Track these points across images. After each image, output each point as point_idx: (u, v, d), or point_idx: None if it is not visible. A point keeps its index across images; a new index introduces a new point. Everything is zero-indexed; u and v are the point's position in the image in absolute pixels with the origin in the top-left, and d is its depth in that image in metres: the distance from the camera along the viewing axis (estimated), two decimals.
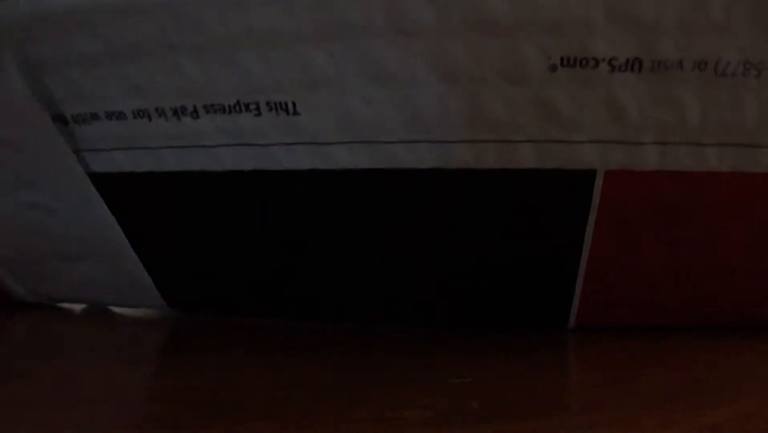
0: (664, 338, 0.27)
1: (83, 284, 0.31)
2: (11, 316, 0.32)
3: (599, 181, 0.25)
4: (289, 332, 0.29)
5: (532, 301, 0.27)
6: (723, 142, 0.25)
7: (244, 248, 0.28)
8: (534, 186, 0.25)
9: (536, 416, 0.20)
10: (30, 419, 0.20)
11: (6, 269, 0.31)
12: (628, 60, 0.24)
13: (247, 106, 0.24)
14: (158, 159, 0.26)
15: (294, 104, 0.24)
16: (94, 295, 0.31)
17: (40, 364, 0.25)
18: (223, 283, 0.29)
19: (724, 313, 0.27)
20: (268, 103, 0.24)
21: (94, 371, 0.24)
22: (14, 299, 0.32)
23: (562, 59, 0.24)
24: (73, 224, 0.29)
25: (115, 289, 0.30)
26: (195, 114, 0.25)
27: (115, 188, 0.27)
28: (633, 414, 0.20)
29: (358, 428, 0.19)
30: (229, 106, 0.24)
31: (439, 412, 0.20)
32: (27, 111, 0.26)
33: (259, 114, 0.24)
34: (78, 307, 0.33)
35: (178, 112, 0.25)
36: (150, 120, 0.25)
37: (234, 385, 0.23)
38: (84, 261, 0.29)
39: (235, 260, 0.28)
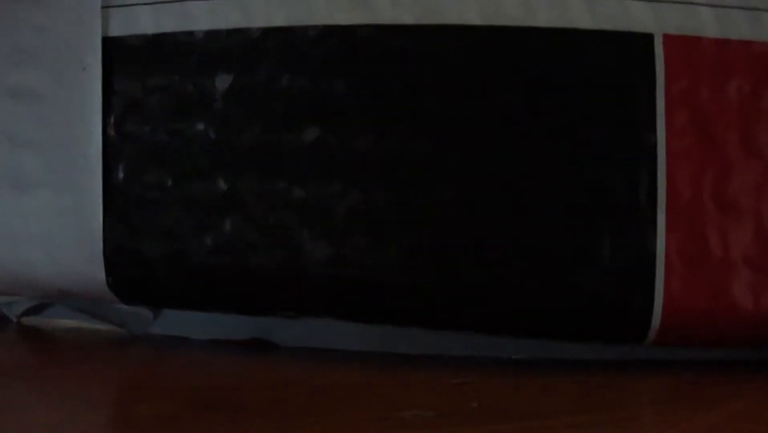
0: None
1: (23, 229, 0.27)
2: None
3: (659, 50, 0.23)
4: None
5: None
6: None
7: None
8: (592, 55, 0.24)
9: (536, 416, 0.20)
10: (33, 419, 0.20)
11: None
12: None
13: None
14: (187, 16, 0.25)
15: None
16: (28, 252, 0.27)
17: (42, 365, 0.25)
18: (187, 244, 0.25)
19: None
20: None
21: (96, 371, 0.24)
22: None
23: None
24: (55, 119, 0.26)
25: (55, 246, 0.26)
26: None
27: (126, 61, 0.26)
28: (633, 414, 0.20)
29: (358, 428, 0.19)
30: None
31: (439, 412, 0.20)
32: None
33: None
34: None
35: None
36: None
37: (234, 385, 0.23)
38: (40, 190, 0.26)
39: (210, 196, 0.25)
